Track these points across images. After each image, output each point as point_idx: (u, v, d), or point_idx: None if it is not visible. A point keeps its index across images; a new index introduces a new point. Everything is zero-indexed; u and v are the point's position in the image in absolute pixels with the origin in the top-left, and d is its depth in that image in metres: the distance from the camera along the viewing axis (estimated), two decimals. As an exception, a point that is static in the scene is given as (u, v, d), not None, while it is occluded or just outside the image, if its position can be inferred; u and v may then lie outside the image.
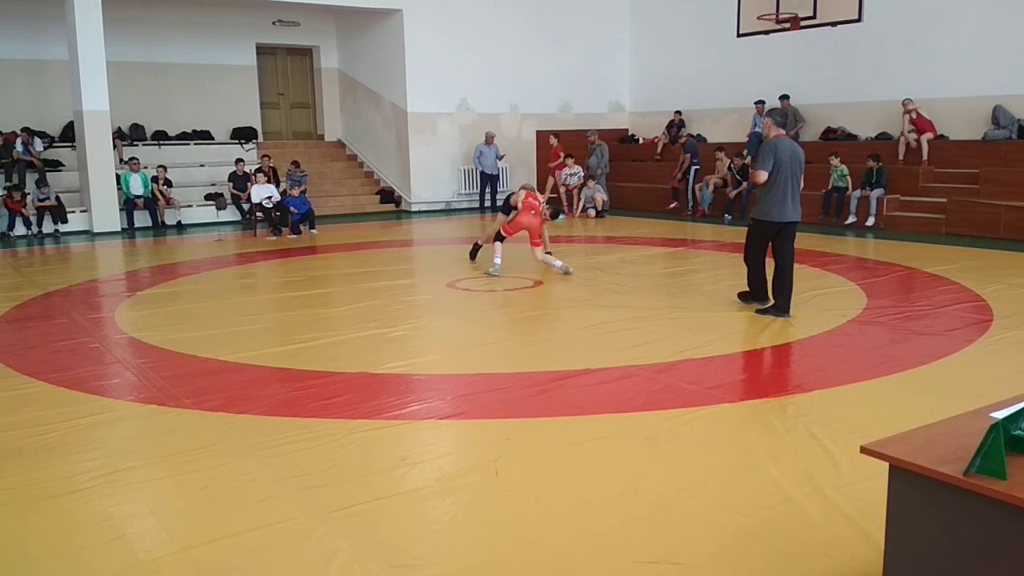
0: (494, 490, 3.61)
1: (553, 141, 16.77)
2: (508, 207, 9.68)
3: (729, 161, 14.96)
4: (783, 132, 7.00)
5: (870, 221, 12.95)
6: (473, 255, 10.11)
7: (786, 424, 4.33)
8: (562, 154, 16.38)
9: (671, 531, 3.19)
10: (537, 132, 17.94)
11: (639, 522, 3.26)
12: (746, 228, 7.34)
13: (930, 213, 12.49)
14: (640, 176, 17.12)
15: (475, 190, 17.21)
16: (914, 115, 13.32)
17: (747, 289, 7.32)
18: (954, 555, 2.26)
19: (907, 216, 12.73)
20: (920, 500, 2.32)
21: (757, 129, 14.72)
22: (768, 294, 7.09)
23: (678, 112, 17.33)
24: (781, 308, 6.91)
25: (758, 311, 7.05)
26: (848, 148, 13.94)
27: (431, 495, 3.58)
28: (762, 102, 15.20)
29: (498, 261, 9.23)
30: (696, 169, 15.61)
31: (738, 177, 14.59)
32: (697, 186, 15.40)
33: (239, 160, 15.32)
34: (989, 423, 2.26)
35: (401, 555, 3.04)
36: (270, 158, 15.43)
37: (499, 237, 9.41)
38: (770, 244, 7.01)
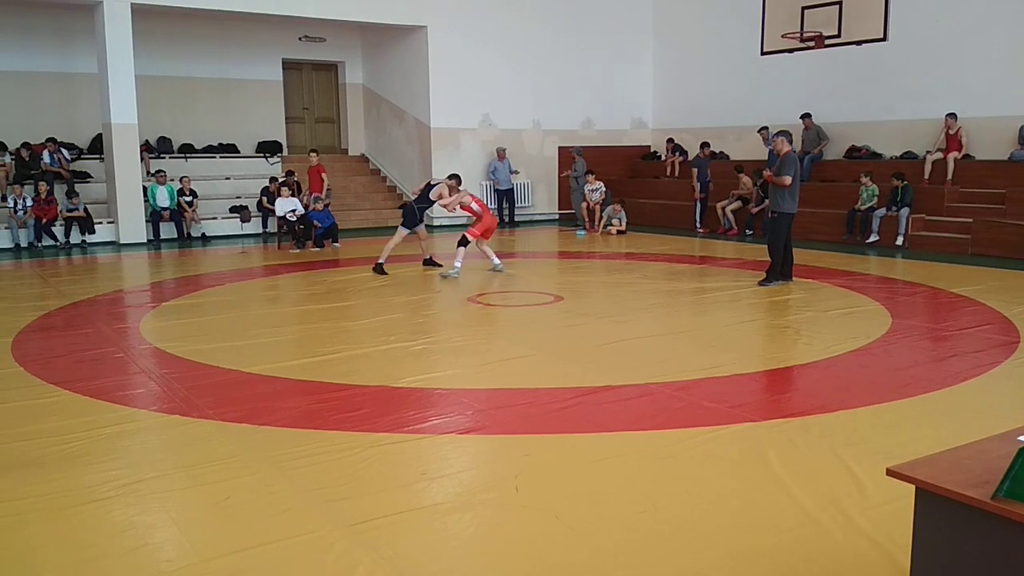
0: (514, 506, 3.60)
1: (313, 159, 15.11)
2: (422, 207, 10.58)
3: (751, 179, 14.91)
4: (791, 148, 9.26)
5: (899, 241, 12.82)
6: (379, 269, 10.45)
7: (809, 444, 4.29)
8: (324, 175, 15.15)
9: (692, 551, 3.17)
10: (559, 148, 17.97)
11: (659, 541, 3.24)
12: (771, 230, 9.50)
13: (955, 233, 12.37)
14: (661, 193, 17.11)
15: (493, 206, 17.26)
16: (953, 131, 13.20)
17: (765, 276, 9.31)
18: (981, 580, 2.23)
19: (932, 236, 12.62)
20: (947, 524, 2.29)
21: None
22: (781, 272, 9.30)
23: (670, 140, 17.73)
24: (788, 276, 9.25)
25: (761, 283, 9.22)
26: (872, 167, 13.85)
27: (451, 510, 3.58)
28: (765, 128, 15.20)
29: (458, 264, 10.08)
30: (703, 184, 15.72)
31: (762, 194, 14.52)
32: (719, 205, 15.36)
33: (273, 179, 15.40)
34: (1017, 447, 2.23)
35: (420, 570, 3.04)
36: (294, 173, 15.56)
37: (464, 241, 10.18)
38: None
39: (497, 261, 10.57)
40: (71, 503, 3.63)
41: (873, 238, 13.11)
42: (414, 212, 10.60)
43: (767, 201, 14.25)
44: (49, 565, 3.11)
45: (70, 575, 3.04)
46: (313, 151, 15.72)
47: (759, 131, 15.47)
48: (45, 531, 3.39)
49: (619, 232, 15.36)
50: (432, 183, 10.88)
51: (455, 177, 10.74)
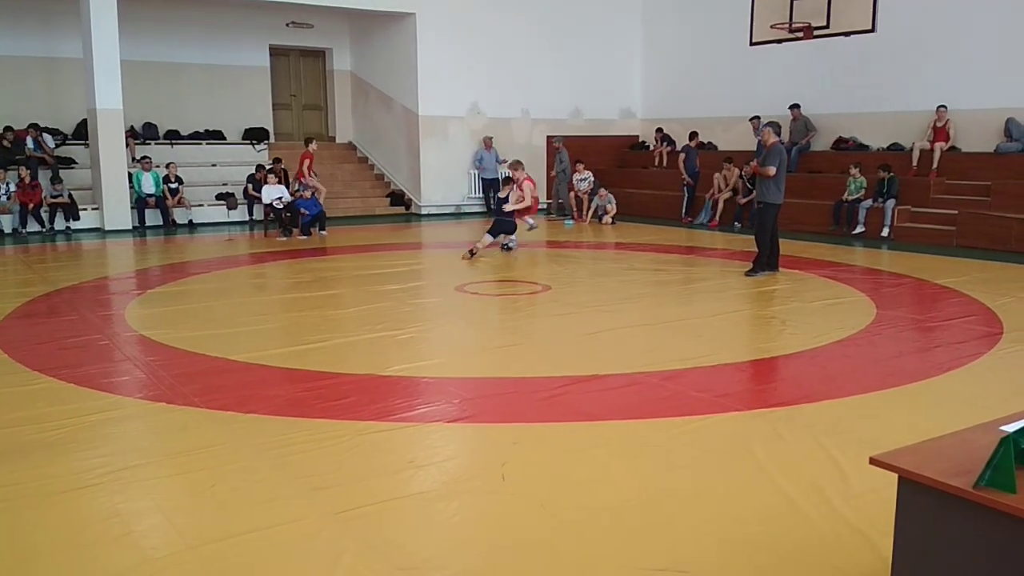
0: (500, 494, 3.61)
1: (313, 147, 14.63)
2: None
3: (739, 170, 14.92)
4: (778, 139, 9.25)
5: (885, 232, 12.88)
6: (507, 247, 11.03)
7: (794, 434, 4.32)
8: (307, 162, 14.45)
9: (677, 539, 3.19)
10: (548, 137, 17.94)
11: (645, 529, 3.26)
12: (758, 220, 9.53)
13: (941, 225, 12.43)
14: (649, 183, 17.12)
15: (479, 194, 17.27)
16: (941, 123, 13.25)
17: (751, 266, 9.33)
18: (962, 568, 2.25)
19: (917, 227, 12.68)
20: (929, 512, 2.31)
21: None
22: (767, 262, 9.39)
23: (659, 130, 17.74)
24: (774, 266, 9.31)
25: (747, 273, 9.24)
26: (859, 158, 13.90)
27: (437, 498, 3.58)
28: (757, 118, 15.21)
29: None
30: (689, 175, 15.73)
31: (749, 186, 14.55)
32: (708, 194, 15.38)
33: (260, 166, 15.32)
34: (999, 436, 2.26)
35: (407, 557, 3.04)
36: (281, 160, 15.47)
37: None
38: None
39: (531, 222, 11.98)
40: (56, 490, 3.62)
41: (859, 229, 13.17)
42: (503, 222, 11.26)
43: (754, 192, 14.35)
44: (34, 552, 3.10)
45: (56, 562, 3.03)
46: (307, 139, 15.28)
47: (750, 120, 15.50)
48: (29, 519, 3.37)
49: (613, 220, 15.30)
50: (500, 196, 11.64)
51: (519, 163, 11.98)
